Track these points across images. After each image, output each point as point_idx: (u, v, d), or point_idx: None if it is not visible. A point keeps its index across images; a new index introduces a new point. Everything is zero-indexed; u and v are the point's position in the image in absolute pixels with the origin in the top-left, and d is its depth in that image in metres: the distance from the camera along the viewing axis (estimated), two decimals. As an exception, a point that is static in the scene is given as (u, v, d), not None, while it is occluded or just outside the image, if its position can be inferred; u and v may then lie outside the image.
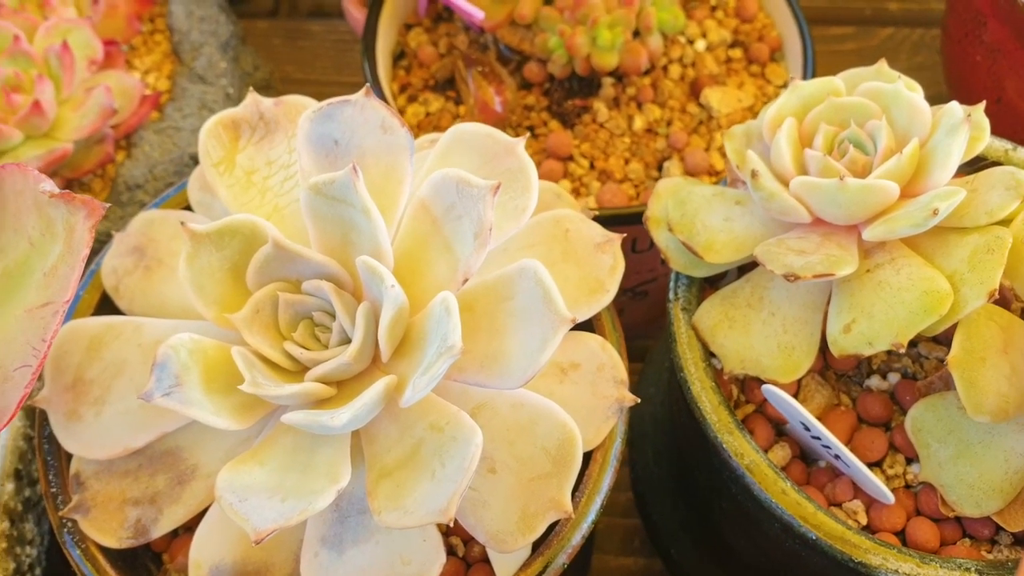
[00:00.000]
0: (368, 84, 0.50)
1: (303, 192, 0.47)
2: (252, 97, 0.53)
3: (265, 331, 0.47)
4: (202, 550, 0.47)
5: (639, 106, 0.75)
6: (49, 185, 0.41)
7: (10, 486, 0.52)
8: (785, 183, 0.51)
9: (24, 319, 0.41)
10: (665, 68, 0.77)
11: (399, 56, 0.80)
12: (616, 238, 0.53)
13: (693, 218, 0.54)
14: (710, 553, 0.63)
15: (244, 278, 0.48)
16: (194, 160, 0.68)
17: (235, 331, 0.47)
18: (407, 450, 0.45)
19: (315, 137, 0.50)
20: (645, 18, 0.71)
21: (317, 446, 0.46)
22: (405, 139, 0.49)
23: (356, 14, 0.80)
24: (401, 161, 0.49)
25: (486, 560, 0.51)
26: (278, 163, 0.53)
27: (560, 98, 0.75)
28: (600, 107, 0.74)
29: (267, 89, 0.76)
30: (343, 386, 0.47)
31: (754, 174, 0.51)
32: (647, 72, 0.76)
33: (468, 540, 0.52)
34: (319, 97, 0.95)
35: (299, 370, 0.47)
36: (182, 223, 0.46)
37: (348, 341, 0.47)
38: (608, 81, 0.75)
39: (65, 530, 0.48)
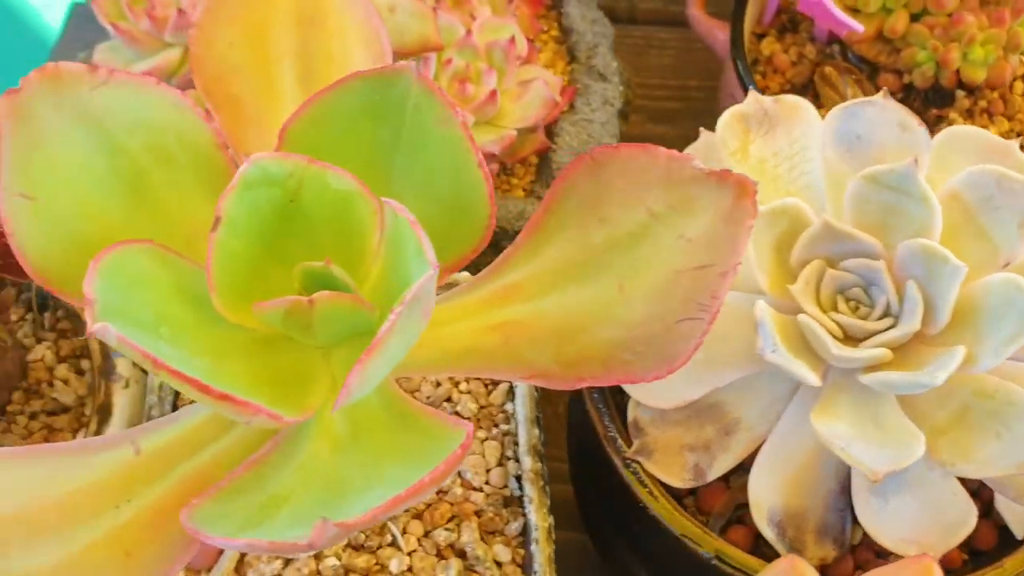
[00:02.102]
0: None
1: (854, 180, 0.53)
2: (754, 95, 0.59)
3: (814, 303, 0.53)
4: (758, 494, 0.53)
5: (990, 117, 0.80)
6: (698, 162, 0.47)
7: (536, 431, 0.58)
8: None
9: (672, 279, 0.47)
10: (1011, 84, 0.82)
11: (752, 63, 0.85)
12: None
13: None
14: None
15: (784, 254, 0.54)
16: (609, 150, 0.74)
17: (781, 301, 0.53)
18: (953, 412, 0.51)
19: (840, 132, 0.56)
20: (1014, 37, 0.77)
21: (872, 405, 0.51)
22: (923, 138, 0.55)
23: (709, 24, 0.86)
24: (919, 157, 0.55)
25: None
26: (781, 154, 0.59)
27: (919, 108, 0.80)
28: (956, 117, 0.79)
29: (631, 88, 0.82)
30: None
31: None
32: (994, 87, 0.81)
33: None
34: (668, 101, 0.99)
35: (843, 338, 0.53)
36: (747, 203, 0.52)
37: (888, 314, 0.52)
38: (961, 94, 0.80)
39: (629, 469, 0.54)
